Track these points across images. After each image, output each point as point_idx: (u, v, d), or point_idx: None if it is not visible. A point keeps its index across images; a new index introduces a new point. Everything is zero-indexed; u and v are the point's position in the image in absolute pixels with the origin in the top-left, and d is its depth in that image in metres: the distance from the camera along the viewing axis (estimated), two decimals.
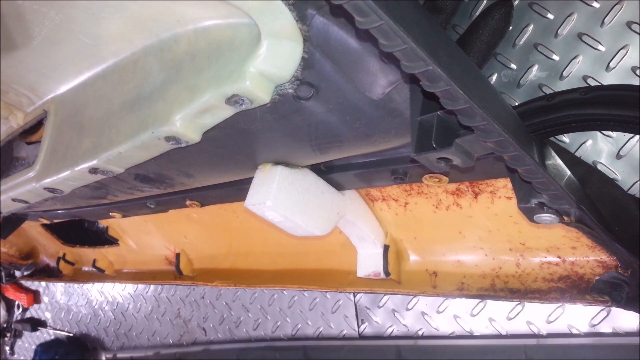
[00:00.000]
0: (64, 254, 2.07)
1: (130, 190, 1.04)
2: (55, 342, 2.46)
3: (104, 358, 2.39)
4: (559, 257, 0.91)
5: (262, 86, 0.62)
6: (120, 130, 0.80)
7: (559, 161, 0.71)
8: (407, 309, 1.32)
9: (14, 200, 1.11)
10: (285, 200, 0.83)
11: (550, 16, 0.98)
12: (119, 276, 1.91)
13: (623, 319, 0.98)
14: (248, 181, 0.87)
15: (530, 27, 1.00)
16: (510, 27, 1.00)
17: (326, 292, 1.53)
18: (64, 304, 2.74)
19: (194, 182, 0.99)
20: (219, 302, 1.90)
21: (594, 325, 1.01)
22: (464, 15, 1.07)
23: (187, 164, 0.89)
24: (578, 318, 1.03)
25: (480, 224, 0.96)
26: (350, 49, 0.60)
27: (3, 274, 2.42)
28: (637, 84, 0.90)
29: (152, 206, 1.28)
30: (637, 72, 0.90)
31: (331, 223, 0.94)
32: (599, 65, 0.94)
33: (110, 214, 1.41)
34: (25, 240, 2.30)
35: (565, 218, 0.71)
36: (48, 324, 2.86)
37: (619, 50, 0.92)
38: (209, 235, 1.50)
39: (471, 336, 1.18)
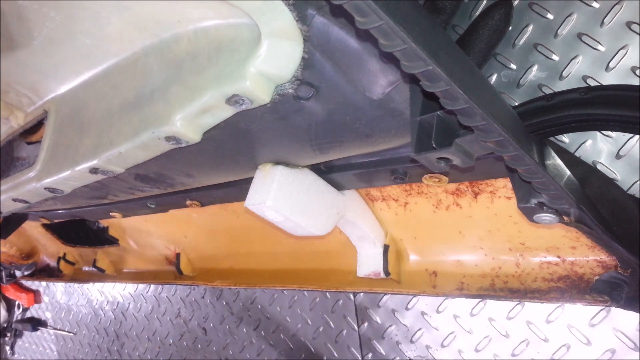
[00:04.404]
0: (65, 254, 2.07)
1: (131, 190, 1.04)
2: None
3: None
4: (558, 257, 0.91)
5: (263, 86, 0.62)
6: (120, 130, 0.80)
7: (559, 161, 0.72)
8: (407, 309, 1.32)
9: (14, 200, 1.11)
10: (285, 200, 0.83)
11: (550, 16, 0.98)
12: (120, 276, 1.91)
13: (623, 319, 0.98)
14: (248, 181, 0.87)
15: (530, 27, 1.00)
16: (510, 27, 1.00)
17: (326, 292, 1.53)
18: (65, 303, 2.75)
19: (194, 182, 0.99)
20: (219, 302, 1.90)
21: (593, 325, 1.01)
22: (464, 15, 1.07)
23: (187, 164, 0.89)
24: (578, 318, 1.03)
25: (480, 224, 0.96)
26: (350, 49, 0.60)
27: (3, 273, 2.42)
28: (637, 84, 0.90)
29: (153, 206, 1.28)
30: (637, 72, 0.91)
31: (331, 223, 0.94)
32: (598, 65, 0.94)
33: (111, 213, 1.41)
34: (25, 240, 2.30)
35: (565, 218, 0.71)
36: (48, 324, 2.86)
37: (619, 50, 0.92)
38: (209, 235, 1.50)
39: None
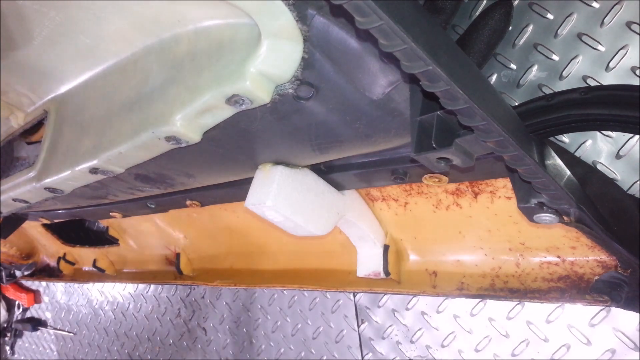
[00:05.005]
0: (64, 254, 2.07)
1: (131, 190, 1.04)
2: None
3: None
4: (558, 256, 0.91)
5: (263, 86, 0.62)
6: (120, 130, 0.80)
7: (559, 161, 0.72)
8: (407, 309, 1.32)
9: (14, 200, 1.11)
10: (285, 200, 0.83)
11: (550, 16, 0.98)
12: (119, 276, 1.91)
13: (623, 319, 0.98)
14: (248, 181, 0.87)
15: (530, 27, 1.00)
16: (510, 27, 1.00)
17: (326, 291, 1.53)
18: (65, 303, 2.75)
19: (194, 182, 0.99)
20: (219, 302, 1.90)
21: (593, 325, 1.01)
22: (464, 15, 1.07)
23: (187, 164, 0.89)
24: (578, 318, 1.03)
25: (480, 224, 0.96)
26: (350, 49, 0.60)
27: (3, 273, 2.42)
28: (637, 84, 0.90)
29: (153, 206, 1.28)
30: (637, 72, 0.91)
31: (331, 223, 0.94)
32: (598, 65, 0.94)
33: (111, 214, 1.41)
34: (25, 240, 2.30)
35: (565, 218, 0.71)
36: (48, 324, 2.86)
37: (619, 50, 0.92)
38: (209, 235, 1.50)
39: None
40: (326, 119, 0.69)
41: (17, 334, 3.05)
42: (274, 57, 0.60)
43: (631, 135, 0.92)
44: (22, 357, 3.07)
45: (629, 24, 0.90)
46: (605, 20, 0.92)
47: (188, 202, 1.19)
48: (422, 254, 1.09)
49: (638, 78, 0.90)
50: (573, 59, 0.96)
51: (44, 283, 2.89)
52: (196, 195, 1.17)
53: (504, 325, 1.14)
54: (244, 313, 1.81)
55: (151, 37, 0.78)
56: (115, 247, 1.82)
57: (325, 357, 1.53)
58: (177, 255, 1.58)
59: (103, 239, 1.82)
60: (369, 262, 1.08)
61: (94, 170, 0.86)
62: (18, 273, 2.33)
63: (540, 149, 0.68)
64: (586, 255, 0.88)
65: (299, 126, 0.72)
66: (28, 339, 3.02)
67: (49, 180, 0.95)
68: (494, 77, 1.05)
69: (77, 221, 1.79)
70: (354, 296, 1.46)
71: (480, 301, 1.17)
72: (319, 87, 0.64)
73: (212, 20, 0.67)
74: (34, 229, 2.06)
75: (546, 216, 0.71)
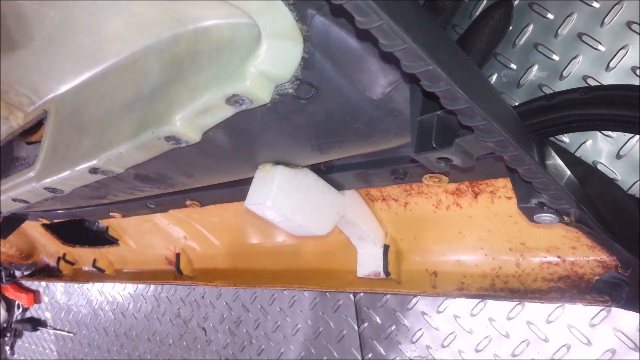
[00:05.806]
0: (64, 254, 2.07)
1: (131, 190, 1.04)
2: None
3: None
4: (558, 257, 0.91)
5: (262, 86, 0.62)
6: (120, 130, 0.80)
7: (559, 161, 0.71)
8: (407, 309, 1.32)
9: (14, 200, 1.11)
10: (285, 200, 0.83)
11: (550, 16, 0.98)
12: (119, 276, 1.91)
13: (623, 319, 0.98)
14: (248, 181, 0.87)
15: (530, 27, 1.00)
16: (510, 27, 1.00)
17: (326, 292, 1.53)
18: (64, 303, 2.74)
19: (194, 182, 0.99)
20: (219, 302, 1.90)
21: (594, 326, 1.01)
22: (464, 15, 1.07)
23: (187, 163, 0.89)
24: (578, 318, 1.03)
25: (480, 224, 0.96)
26: (350, 48, 0.60)
27: (3, 273, 2.42)
28: (637, 84, 0.90)
29: (152, 206, 1.28)
30: (637, 72, 0.90)
31: (331, 223, 0.94)
32: (598, 65, 0.94)
33: (111, 214, 1.41)
34: (25, 240, 2.30)
35: (565, 218, 0.71)
36: (48, 324, 2.86)
37: (619, 50, 0.92)
38: (209, 235, 1.50)
39: None
40: (326, 119, 0.69)
41: (17, 334, 3.05)
42: (274, 57, 0.59)
43: (631, 135, 0.92)
44: (22, 357, 3.07)
45: (629, 24, 0.90)
46: (605, 20, 0.92)
47: (188, 202, 1.19)
48: (422, 254, 1.09)
49: (638, 78, 0.90)
50: (573, 58, 0.96)
51: (43, 283, 2.89)
52: (196, 195, 1.17)
53: (504, 325, 1.14)
54: (244, 313, 1.81)
55: (151, 37, 0.78)
56: (115, 247, 1.82)
57: (325, 358, 1.53)
58: (177, 255, 1.58)
59: (103, 239, 1.82)
60: (369, 262, 1.08)
61: (93, 170, 0.86)
62: (18, 273, 2.33)
63: (540, 149, 0.68)
64: (586, 255, 0.88)
65: (299, 126, 0.72)
66: (28, 339, 3.02)
67: (48, 180, 0.95)
68: (494, 77, 1.05)
69: (77, 221, 1.79)
70: (354, 296, 1.46)
71: (480, 301, 1.17)
72: (319, 87, 0.64)
73: (212, 20, 0.67)
74: (33, 229, 2.06)
75: (546, 216, 0.71)
